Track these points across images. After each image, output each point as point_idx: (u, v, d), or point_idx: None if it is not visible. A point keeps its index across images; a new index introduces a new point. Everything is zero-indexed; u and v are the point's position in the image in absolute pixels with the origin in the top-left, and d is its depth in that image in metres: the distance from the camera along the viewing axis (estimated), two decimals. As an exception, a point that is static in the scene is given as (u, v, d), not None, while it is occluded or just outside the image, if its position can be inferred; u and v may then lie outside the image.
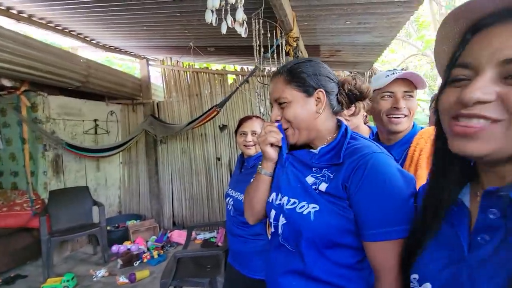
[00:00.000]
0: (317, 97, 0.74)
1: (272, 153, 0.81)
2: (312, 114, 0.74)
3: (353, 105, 0.79)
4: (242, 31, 1.59)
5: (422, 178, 0.91)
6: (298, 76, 0.74)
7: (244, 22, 1.60)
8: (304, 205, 0.69)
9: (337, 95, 0.77)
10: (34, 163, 3.28)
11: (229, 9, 1.54)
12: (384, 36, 2.84)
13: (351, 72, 4.67)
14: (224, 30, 1.56)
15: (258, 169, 0.86)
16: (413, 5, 2.12)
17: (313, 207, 0.67)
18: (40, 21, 2.80)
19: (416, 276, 0.48)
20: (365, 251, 0.65)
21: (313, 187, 0.70)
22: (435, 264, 0.45)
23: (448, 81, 0.43)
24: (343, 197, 0.65)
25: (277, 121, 0.77)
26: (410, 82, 0.98)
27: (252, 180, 0.90)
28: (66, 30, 3.09)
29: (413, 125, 1.04)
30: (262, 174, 0.84)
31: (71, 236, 3.08)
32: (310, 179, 0.71)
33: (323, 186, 0.68)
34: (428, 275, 0.45)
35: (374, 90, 1.05)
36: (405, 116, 0.98)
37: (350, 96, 0.77)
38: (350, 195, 0.64)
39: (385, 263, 0.61)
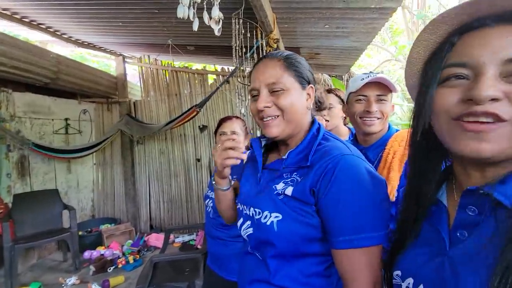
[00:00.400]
0: (308, 93, 0.72)
1: (227, 172, 0.82)
2: (303, 108, 0.71)
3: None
4: (216, 29, 1.56)
5: (394, 180, 0.94)
6: (296, 66, 0.70)
7: (220, 20, 1.58)
8: (267, 215, 0.65)
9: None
10: (-4, 164, 3.04)
11: (205, 6, 1.51)
12: (361, 41, 2.94)
13: (330, 75, 4.78)
14: (195, 27, 1.53)
15: (214, 186, 0.86)
16: (388, 11, 2.21)
17: (276, 216, 0.64)
18: (4, 12, 2.60)
19: (398, 272, 0.48)
20: (333, 258, 0.62)
21: (280, 192, 0.67)
22: (417, 259, 0.46)
23: (439, 82, 0.42)
24: (309, 202, 0.62)
25: (262, 110, 0.69)
26: (383, 86, 1.01)
27: (215, 196, 0.91)
28: (34, 23, 2.90)
29: (389, 127, 1.08)
30: (220, 190, 0.85)
31: (38, 243, 2.88)
32: (280, 186, 0.68)
33: (289, 190, 0.64)
34: (411, 271, 0.46)
35: (350, 93, 1.08)
36: (378, 118, 1.01)
37: (316, 103, 0.78)
38: (318, 201, 0.61)
39: (353, 271, 0.58)
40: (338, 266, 0.61)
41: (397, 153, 0.97)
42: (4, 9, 2.57)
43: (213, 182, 0.85)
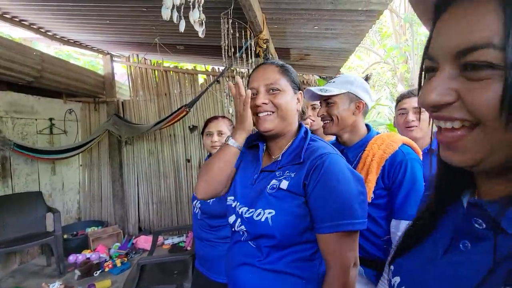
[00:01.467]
0: (297, 98, 0.83)
1: (251, 122, 0.81)
2: (294, 110, 0.81)
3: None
4: (200, 31, 1.56)
5: (371, 182, 0.98)
6: (290, 72, 0.82)
7: (203, 22, 1.57)
8: (260, 212, 0.73)
9: None
10: (-25, 166, 2.92)
11: (191, 6, 1.50)
12: (350, 43, 2.98)
13: (320, 77, 4.83)
14: (182, 28, 1.51)
15: (226, 139, 0.85)
16: (374, 14, 2.25)
17: (269, 212, 0.71)
18: (-16, 7, 2.50)
19: (392, 267, 0.47)
20: (318, 243, 0.72)
21: (273, 187, 0.74)
22: (412, 259, 0.43)
23: (424, 72, 0.35)
24: (301, 194, 0.71)
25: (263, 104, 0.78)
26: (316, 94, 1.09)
27: (217, 151, 0.88)
28: (16, 19, 2.80)
29: (370, 130, 1.10)
30: (231, 145, 0.83)
31: (20, 247, 2.77)
32: (273, 182, 0.76)
33: (284, 184, 0.73)
34: (400, 269, 0.45)
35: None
36: (330, 120, 1.09)
37: (301, 112, 0.89)
38: (307, 192, 0.70)
39: (333, 253, 0.69)
40: (322, 250, 0.71)
41: (375, 156, 0.99)
42: (-16, 5, 2.47)
43: (229, 139, 0.83)
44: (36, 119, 3.48)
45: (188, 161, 3.94)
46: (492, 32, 0.25)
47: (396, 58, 8.59)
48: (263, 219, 0.71)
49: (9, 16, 2.72)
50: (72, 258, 3.10)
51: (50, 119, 3.65)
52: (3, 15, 2.67)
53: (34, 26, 3.00)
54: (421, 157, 1.02)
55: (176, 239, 3.64)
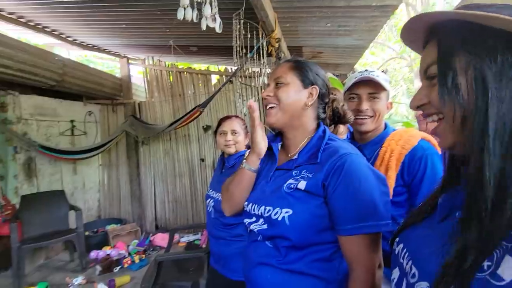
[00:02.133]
0: (310, 92, 0.80)
1: (263, 146, 0.83)
2: (300, 104, 0.79)
3: (334, 126, 0.86)
4: (216, 26, 1.57)
5: (391, 179, 0.95)
6: (302, 67, 0.81)
7: (216, 16, 1.58)
8: (277, 211, 0.72)
9: (325, 105, 0.84)
10: (3, 166, 3.09)
11: (203, 6, 1.52)
12: (364, 39, 2.93)
13: (334, 74, 4.77)
14: (204, 26, 1.53)
15: (242, 164, 0.86)
16: (389, 9, 2.19)
17: (286, 212, 0.70)
18: (10, 16, 2.65)
19: (397, 239, 0.53)
20: (339, 244, 0.70)
21: (291, 187, 0.73)
22: (413, 231, 0.49)
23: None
24: (320, 194, 0.70)
25: (268, 96, 0.81)
26: (376, 84, 1.00)
27: (233, 174, 0.90)
28: (39, 27, 2.95)
29: (386, 126, 1.07)
30: (246, 169, 0.84)
31: (45, 243, 2.92)
32: (289, 182, 0.74)
33: (302, 184, 0.71)
34: (405, 237, 0.50)
35: (345, 92, 1.08)
36: (370, 117, 1.02)
37: (335, 114, 0.85)
38: (327, 194, 0.69)
39: (357, 255, 0.67)
40: (344, 251, 0.69)
41: (394, 152, 0.97)
42: (10, 13, 2.62)
43: (244, 162, 0.85)
44: (58, 121, 3.65)
45: (202, 160, 4.00)
46: (434, 57, 0.42)
47: (412, 52, 8.33)
48: (280, 218, 0.70)
49: (32, 24, 2.86)
50: (93, 254, 3.23)
51: (71, 121, 3.81)
52: (27, 23, 2.82)
53: (56, 32, 3.14)
54: (440, 152, 0.98)
55: (191, 237, 3.71)
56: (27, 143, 3.07)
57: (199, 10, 1.46)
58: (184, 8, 1.36)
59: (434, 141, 1.01)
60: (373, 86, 1.01)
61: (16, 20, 2.72)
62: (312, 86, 0.80)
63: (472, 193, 0.36)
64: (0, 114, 3.03)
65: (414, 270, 0.43)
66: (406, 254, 0.47)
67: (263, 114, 0.88)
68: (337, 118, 0.85)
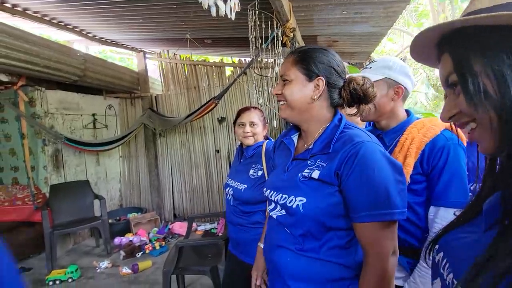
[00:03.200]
0: (316, 84, 0.78)
1: None
2: (307, 98, 0.78)
3: (356, 106, 0.81)
4: (232, 15, 1.58)
5: (409, 166, 0.94)
6: (305, 60, 0.78)
7: (237, 4, 1.59)
8: (292, 199, 0.75)
9: (340, 89, 0.80)
10: (34, 158, 3.30)
11: None
12: (381, 26, 2.84)
13: (349, 63, 4.66)
14: (214, 13, 1.54)
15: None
16: (409, -7, 2.12)
17: (300, 200, 0.73)
18: (35, 14, 2.77)
19: (437, 246, 0.50)
20: (354, 231, 0.72)
21: (306, 176, 0.75)
22: (457, 235, 0.46)
23: None
24: (334, 183, 0.71)
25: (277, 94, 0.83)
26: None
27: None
28: (62, 24, 3.06)
29: (410, 114, 1.07)
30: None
31: (73, 229, 3.13)
32: (304, 171, 0.76)
33: (315, 174, 0.73)
34: (445, 245, 0.48)
35: None
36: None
37: (354, 95, 0.79)
38: (341, 182, 0.70)
39: (371, 242, 0.68)
40: (359, 238, 0.71)
41: (415, 140, 0.96)
42: (35, 12, 2.74)
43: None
44: (81, 115, 3.82)
45: (218, 151, 4.08)
46: (450, 66, 0.42)
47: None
48: (294, 206, 0.73)
49: (55, 21, 2.98)
50: (117, 240, 3.42)
51: (93, 115, 3.98)
52: (51, 21, 2.94)
53: (77, 29, 3.25)
54: (465, 144, 0.96)
55: (208, 226, 3.83)
56: (54, 135, 3.25)
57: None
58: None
59: (459, 131, 0.98)
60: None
61: (41, 19, 2.84)
62: (318, 78, 0.77)
63: None
64: (29, 108, 3.22)
65: (455, 284, 0.40)
66: (447, 266, 0.44)
67: (277, 105, 0.92)
68: (357, 99, 0.79)
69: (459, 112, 0.42)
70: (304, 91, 0.78)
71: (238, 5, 1.58)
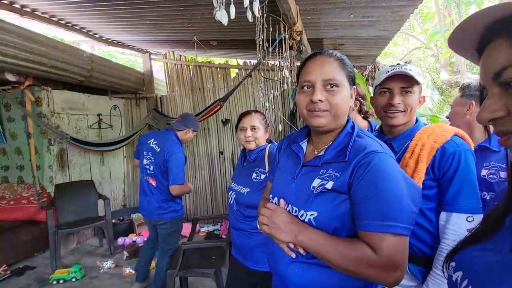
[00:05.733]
0: (351, 93, 0.78)
1: None
2: (348, 106, 0.77)
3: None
4: (250, 17, 1.55)
5: (421, 171, 0.94)
6: (348, 66, 0.77)
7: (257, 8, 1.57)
8: (303, 214, 0.73)
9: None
10: (39, 157, 3.32)
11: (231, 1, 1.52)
12: (388, 30, 2.83)
13: (354, 66, 4.64)
14: (232, 15, 1.52)
15: None
16: (417, -2, 2.10)
17: (311, 214, 0.71)
18: (43, 15, 2.79)
19: (453, 264, 0.47)
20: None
21: (318, 188, 0.72)
22: (475, 253, 0.43)
23: None
24: (345, 192, 0.70)
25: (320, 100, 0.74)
26: (409, 78, 0.98)
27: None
28: (69, 24, 3.09)
29: (417, 120, 1.06)
30: None
31: (78, 229, 3.14)
32: (316, 182, 0.74)
33: (329, 185, 0.71)
34: (463, 264, 0.44)
35: (376, 86, 1.07)
36: (402, 111, 1.00)
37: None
38: (350, 189, 0.69)
39: (376, 250, 0.64)
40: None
41: (426, 146, 0.96)
42: (43, 13, 2.76)
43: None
44: (86, 115, 3.85)
45: (221, 153, 4.08)
46: (509, 56, 0.34)
47: (439, 41, 7.90)
48: (306, 220, 0.72)
49: (63, 22, 3.01)
50: (120, 240, 3.43)
51: (98, 115, 4.00)
52: (59, 21, 2.96)
53: (84, 30, 3.28)
54: (472, 149, 0.97)
55: (211, 227, 3.83)
56: (60, 135, 3.27)
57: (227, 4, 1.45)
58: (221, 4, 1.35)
59: (467, 137, 0.99)
60: (405, 80, 0.99)
61: (49, 19, 2.87)
62: (353, 86, 0.78)
63: None
64: (35, 108, 3.24)
65: None
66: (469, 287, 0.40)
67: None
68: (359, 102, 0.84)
69: (507, 115, 0.35)
70: (348, 99, 0.77)
71: (259, 10, 1.55)
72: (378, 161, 0.66)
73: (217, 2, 1.36)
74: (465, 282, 0.41)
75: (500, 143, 0.38)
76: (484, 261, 0.41)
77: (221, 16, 1.39)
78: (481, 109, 0.38)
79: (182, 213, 2.41)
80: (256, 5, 1.47)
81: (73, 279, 2.65)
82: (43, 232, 3.03)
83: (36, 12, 2.73)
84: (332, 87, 0.73)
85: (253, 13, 1.49)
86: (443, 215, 0.92)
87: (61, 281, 2.61)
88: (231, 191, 1.48)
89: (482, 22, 0.36)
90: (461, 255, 0.45)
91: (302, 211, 0.73)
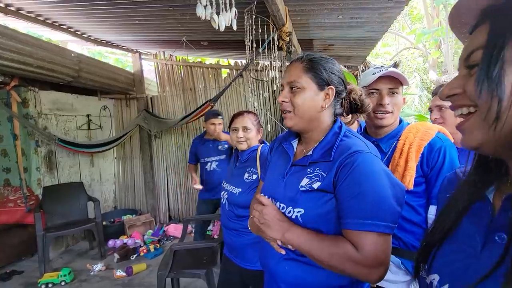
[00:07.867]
0: (326, 93, 0.79)
1: None
2: (317, 107, 0.78)
3: (351, 115, 0.85)
4: (233, 25, 1.59)
5: (412, 169, 0.98)
6: (316, 68, 0.78)
7: (236, 13, 1.60)
8: (290, 210, 0.75)
9: (342, 99, 0.83)
10: (26, 159, 3.25)
11: (221, 3, 1.53)
12: (376, 31, 2.88)
13: (345, 66, 4.70)
14: (222, 27, 1.55)
15: None
16: (403, 0, 2.15)
17: (298, 211, 0.74)
18: (29, 14, 2.74)
19: (426, 266, 0.47)
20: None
21: (305, 187, 0.75)
22: (448, 256, 0.43)
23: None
24: (331, 191, 0.72)
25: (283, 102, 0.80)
26: (395, 79, 1.02)
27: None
28: (56, 24, 3.03)
29: (400, 121, 1.10)
30: None
31: (67, 232, 3.08)
32: (304, 181, 0.76)
33: (316, 185, 0.73)
34: (437, 267, 0.44)
35: (363, 87, 1.09)
36: (390, 112, 1.03)
37: (352, 105, 0.83)
38: (335, 188, 0.71)
39: (358, 248, 0.65)
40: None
41: (413, 144, 0.99)
42: (28, 12, 2.71)
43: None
44: (75, 116, 3.78)
45: (213, 153, 4.06)
46: (481, 42, 0.37)
47: (428, 42, 8.06)
48: (293, 216, 0.74)
49: (50, 21, 2.95)
50: (111, 242, 3.39)
51: (88, 116, 3.94)
52: (45, 21, 2.91)
53: (72, 30, 3.22)
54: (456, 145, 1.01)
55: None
56: (48, 137, 3.21)
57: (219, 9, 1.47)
58: (203, 6, 1.37)
59: (448, 133, 1.03)
60: (393, 82, 1.03)
61: (35, 19, 2.81)
62: (329, 87, 0.78)
63: None
64: (22, 109, 3.17)
65: None
66: None
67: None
68: (355, 108, 0.84)
69: (462, 93, 0.39)
70: (315, 100, 0.78)
71: (236, 14, 1.58)
72: (362, 160, 0.68)
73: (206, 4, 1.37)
74: (446, 287, 0.41)
75: (458, 127, 0.40)
76: (461, 264, 0.41)
77: (217, 20, 1.41)
78: (444, 86, 0.42)
79: None
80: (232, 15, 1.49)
81: (63, 283, 2.61)
82: (31, 235, 2.97)
83: (22, 12, 2.67)
84: (294, 89, 0.78)
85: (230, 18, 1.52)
86: (431, 208, 0.95)
87: (50, 285, 2.57)
88: (223, 191, 1.49)
89: (479, 3, 0.37)
90: (435, 259, 0.45)
91: (290, 208, 0.75)
